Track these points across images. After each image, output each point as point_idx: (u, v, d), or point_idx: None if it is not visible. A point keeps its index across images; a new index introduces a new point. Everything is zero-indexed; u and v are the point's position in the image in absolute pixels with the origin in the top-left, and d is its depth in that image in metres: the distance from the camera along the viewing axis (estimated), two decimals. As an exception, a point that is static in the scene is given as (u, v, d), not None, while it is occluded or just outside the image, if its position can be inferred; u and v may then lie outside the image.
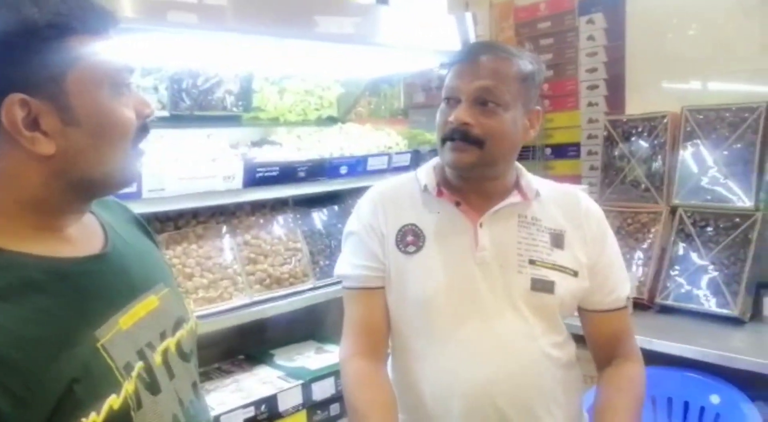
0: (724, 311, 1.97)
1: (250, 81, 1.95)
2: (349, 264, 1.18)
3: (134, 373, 0.72)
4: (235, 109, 1.94)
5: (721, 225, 2.08)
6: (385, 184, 1.25)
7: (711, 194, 2.12)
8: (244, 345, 1.79)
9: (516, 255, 1.12)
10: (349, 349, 1.15)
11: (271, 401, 1.51)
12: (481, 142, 1.07)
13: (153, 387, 0.74)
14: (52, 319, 0.65)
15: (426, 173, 1.19)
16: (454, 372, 1.09)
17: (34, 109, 0.65)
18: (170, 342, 0.81)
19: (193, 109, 1.84)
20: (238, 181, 1.58)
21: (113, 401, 0.67)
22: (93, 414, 0.64)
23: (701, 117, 2.19)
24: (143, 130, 0.76)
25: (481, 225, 1.13)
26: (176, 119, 1.79)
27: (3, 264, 0.65)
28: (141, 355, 0.74)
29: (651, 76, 2.39)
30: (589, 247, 1.16)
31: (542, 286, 1.11)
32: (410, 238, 1.14)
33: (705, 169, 2.15)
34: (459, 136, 1.07)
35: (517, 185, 1.17)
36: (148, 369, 0.74)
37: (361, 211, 1.20)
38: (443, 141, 1.11)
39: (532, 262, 1.12)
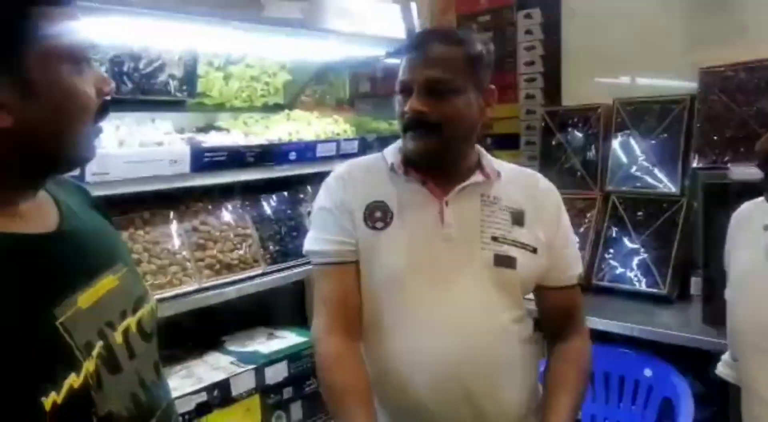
0: (654, 290, 2.10)
1: (194, 65, 1.91)
2: (318, 240, 1.18)
3: (95, 352, 0.70)
4: (179, 93, 1.89)
5: (650, 211, 2.22)
6: (352, 162, 1.27)
7: (640, 181, 2.25)
8: (194, 332, 1.76)
9: (479, 232, 1.16)
10: (324, 327, 1.15)
11: (223, 385, 1.49)
12: (439, 127, 1.11)
13: (113, 367, 0.73)
14: (6, 297, 0.63)
15: (393, 153, 1.22)
16: (420, 347, 1.12)
17: None
18: (131, 321, 0.79)
19: (135, 92, 1.78)
20: (185, 165, 1.55)
21: (73, 380, 0.65)
22: (53, 394, 0.62)
23: (631, 109, 2.31)
24: (104, 107, 0.75)
25: (446, 204, 1.17)
26: (117, 103, 1.72)
27: None
28: (101, 334, 0.72)
29: (585, 70, 2.50)
30: (547, 226, 1.22)
31: (504, 262, 1.15)
32: (378, 214, 1.16)
33: (635, 157, 2.28)
34: (417, 125, 1.12)
35: (479, 166, 1.22)
36: (109, 348, 0.73)
37: (330, 187, 1.21)
38: (404, 131, 1.15)
39: (494, 239, 1.16)
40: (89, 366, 0.68)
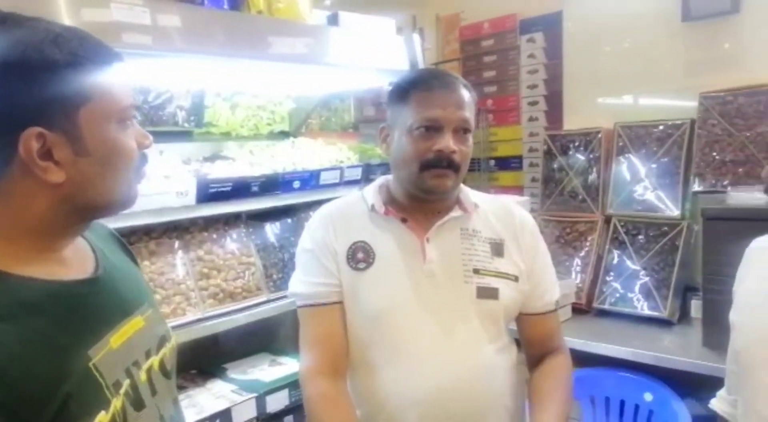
0: (655, 313, 2.11)
1: (202, 97, 1.96)
2: (302, 282, 1.21)
3: (122, 390, 0.75)
4: (186, 124, 1.95)
5: (651, 234, 2.23)
6: (334, 203, 1.30)
7: (642, 204, 2.27)
8: (197, 360, 1.80)
9: (461, 266, 1.20)
10: (310, 368, 1.17)
11: (224, 415, 1.53)
12: (458, 167, 1.16)
13: (137, 404, 0.78)
14: (48, 340, 0.68)
15: (372, 193, 1.25)
16: (408, 383, 1.15)
17: (49, 141, 0.69)
18: (154, 360, 0.84)
19: (145, 124, 1.84)
20: (191, 198, 1.59)
21: (102, 417, 0.70)
22: None
23: (632, 132, 2.34)
24: (143, 158, 0.81)
25: (428, 240, 1.20)
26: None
27: (4, 287, 0.68)
28: (128, 373, 0.77)
29: (586, 93, 2.54)
30: (525, 253, 1.25)
31: (487, 293, 1.19)
32: (360, 255, 1.19)
33: (636, 180, 2.30)
34: (446, 164, 1.14)
35: (457, 200, 1.25)
36: (134, 386, 0.78)
37: (313, 228, 1.24)
38: (427, 167, 1.14)
39: (476, 271, 1.20)
40: (117, 403, 0.73)
